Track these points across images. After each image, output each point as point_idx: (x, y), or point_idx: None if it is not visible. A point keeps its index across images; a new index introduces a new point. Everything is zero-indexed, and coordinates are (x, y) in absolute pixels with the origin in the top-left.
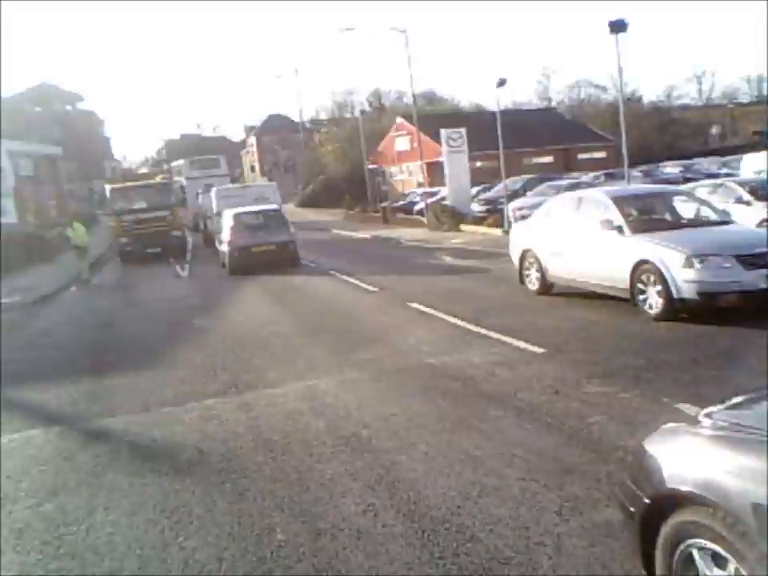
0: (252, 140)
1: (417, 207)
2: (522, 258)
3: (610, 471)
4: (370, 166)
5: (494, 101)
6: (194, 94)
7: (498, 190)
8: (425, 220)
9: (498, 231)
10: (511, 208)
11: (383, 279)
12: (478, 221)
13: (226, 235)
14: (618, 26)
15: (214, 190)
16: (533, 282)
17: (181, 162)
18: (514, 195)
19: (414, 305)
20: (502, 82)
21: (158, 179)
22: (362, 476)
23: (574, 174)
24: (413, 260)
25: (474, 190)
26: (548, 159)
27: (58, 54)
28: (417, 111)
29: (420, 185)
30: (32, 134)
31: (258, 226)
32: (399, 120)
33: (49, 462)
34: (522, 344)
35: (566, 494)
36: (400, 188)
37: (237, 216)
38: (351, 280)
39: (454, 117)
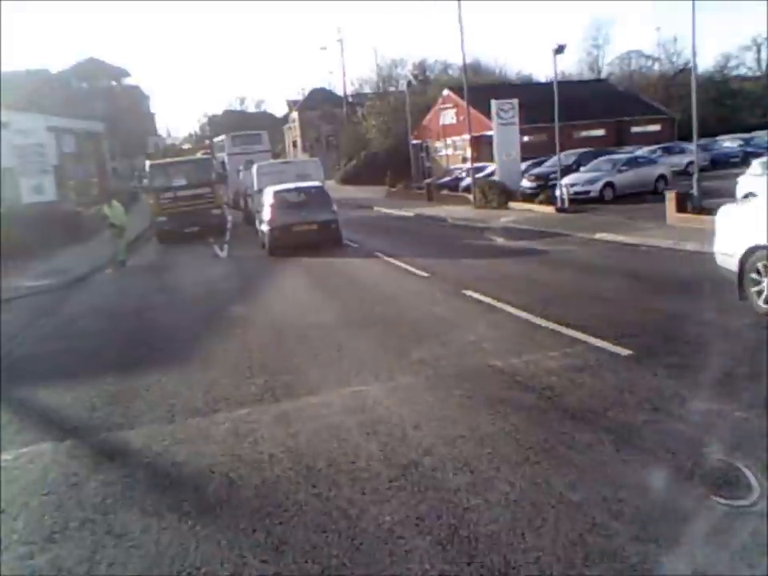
0: (294, 115)
1: (463, 184)
2: (746, 260)
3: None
4: (414, 141)
5: (549, 69)
6: (238, 69)
7: (550, 164)
8: (471, 197)
9: (550, 209)
10: (564, 184)
11: (432, 262)
12: (529, 198)
13: (265, 214)
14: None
15: (254, 166)
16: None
17: (222, 137)
18: (566, 170)
19: (470, 293)
20: (560, 49)
21: (199, 155)
22: (429, 527)
23: (628, 148)
24: (462, 241)
25: (524, 165)
26: (600, 132)
27: (103, 30)
28: (455, 89)
29: (465, 160)
30: (77, 109)
31: (300, 204)
32: (446, 92)
33: (53, 489)
34: (602, 343)
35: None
36: (445, 163)
37: (277, 193)
38: (398, 263)
39: (502, 88)
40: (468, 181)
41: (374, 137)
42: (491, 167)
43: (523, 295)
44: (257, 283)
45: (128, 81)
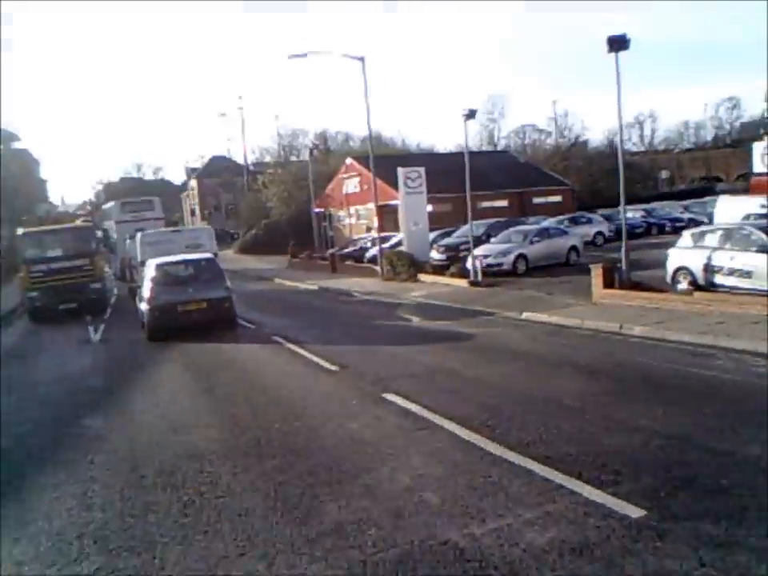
0: (193, 183)
1: (368, 254)
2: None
3: None
4: (317, 210)
5: (449, 141)
6: (135, 135)
7: (460, 234)
8: (377, 268)
9: (462, 282)
10: (476, 255)
11: (342, 350)
12: (439, 270)
13: (145, 290)
14: (618, 42)
15: (138, 234)
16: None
17: (111, 204)
18: (476, 241)
19: (392, 397)
20: (471, 114)
21: (78, 222)
22: None
23: (532, 218)
24: (374, 321)
25: (431, 235)
26: (503, 203)
27: None
28: (365, 153)
29: (369, 229)
30: None
31: (186, 278)
32: (349, 161)
33: None
34: (597, 495)
35: None
36: (348, 233)
37: (159, 267)
38: (301, 351)
39: (406, 158)
40: (374, 251)
41: (275, 205)
42: (397, 237)
43: (461, 401)
44: (123, 381)
45: (16, 145)
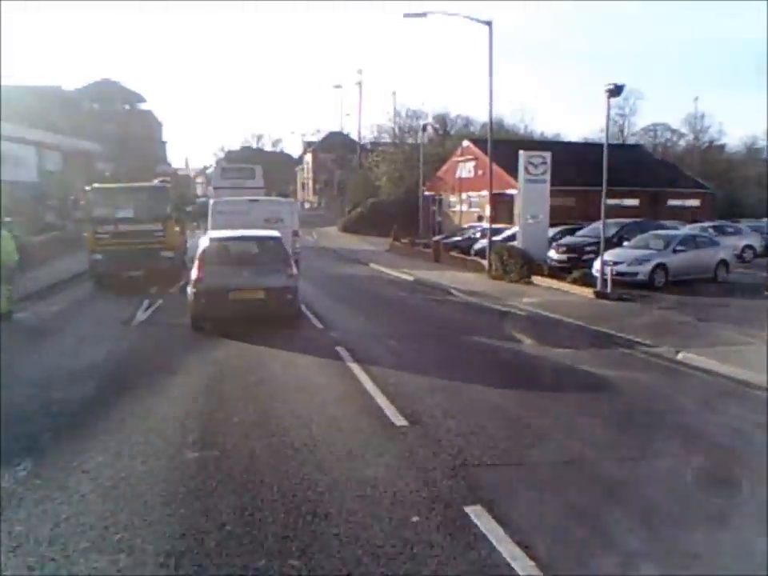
0: (308, 156)
1: (477, 246)
2: None
3: None
4: (426, 193)
5: (574, 133)
6: (257, 106)
7: (586, 234)
8: (484, 263)
9: (587, 291)
10: (606, 261)
11: (419, 385)
12: (557, 273)
13: (193, 269)
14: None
15: (210, 202)
16: None
17: (212, 167)
18: (606, 244)
19: (479, 512)
20: (617, 90)
21: (155, 182)
22: None
23: (668, 223)
24: (471, 335)
25: (551, 231)
26: (633, 202)
27: (123, 53)
28: (476, 141)
29: (481, 218)
30: (86, 130)
31: (244, 259)
32: (466, 143)
33: None
34: None
35: None
36: (457, 220)
37: (213, 242)
38: (364, 380)
39: (529, 144)
40: (483, 243)
41: (384, 185)
42: (511, 230)
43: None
44: (136, 389)
45: (142, 106)
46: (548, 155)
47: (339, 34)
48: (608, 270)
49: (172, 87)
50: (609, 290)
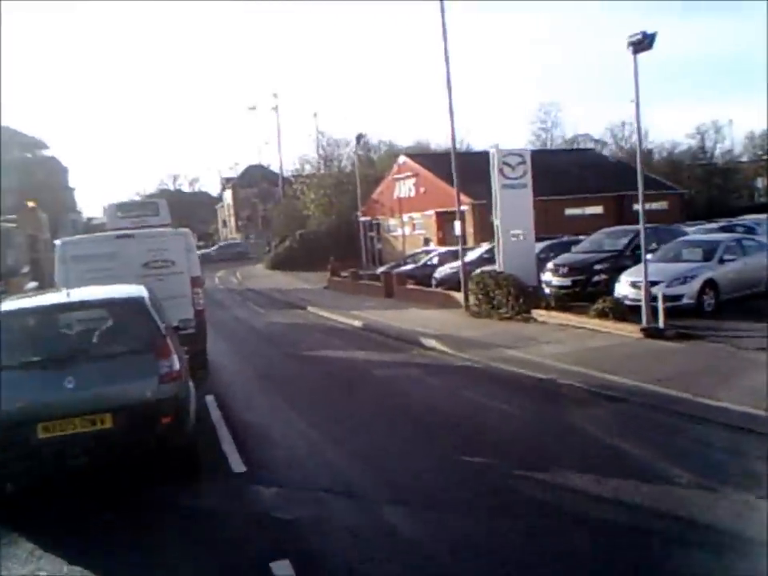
0: (227, 193)
1: (439, 275)
2: None
3: None
4: (362, 218)
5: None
6: (172, 143)
7: (588, 248)
8: (457, 296)
9: (629, 329)
10: (628, 281)
11: None
12: (562, 302)
13: None
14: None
15: (57, 244)
16: None
17: (108, 204)
18: (618, 259)
19: None
20: (647, 39)
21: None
22: None
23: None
24: (484, 451)
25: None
26: (596, 209)
27: (20, 99)
28: (419, 152)
29: (428, 242)
30: None
31: (70, 352)
32: (403, 159)
33: None
34: None
35: None
36: (400, 245)
37: (5, 320)
38: None
39: (473, 155)
40: (446, 270)
41: (314, 213)
42: (479, 250)
43: None
44: None
45: (45, 152)
46: (527, 153)
47: (250, 55)
48: (658, 294)
49: (79, 132)
50: (661, 324)
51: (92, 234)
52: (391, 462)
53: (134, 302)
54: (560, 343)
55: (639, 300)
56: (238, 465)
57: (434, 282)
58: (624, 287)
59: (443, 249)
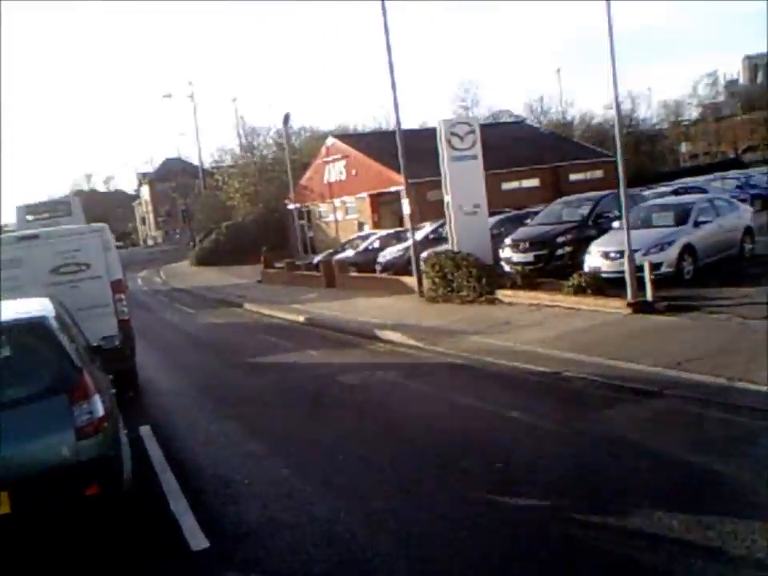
0: (144, 189)
1: (383, 259)
2: None
3: None
4: (291, 206)
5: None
6: (83, 139)
7: (546, 220)
8: (408, 281)
9: (615, 304)
10: (599, 252)
11: None
12: (529, 280)
13: None
14: None
15: None
16: None
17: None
18: (581, 229)
19: None
20: None
21: None
22: None
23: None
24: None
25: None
26: (532, 182)
27: None
28: (343, 136)
29: (361, 226)
30: None
31: None
32: (331, 141)
33: None
34: None
35: None
36: (333, 232)
37: None
38: None
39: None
40: (390, 254)
41: (239, 204)
42: (423, 230)
43: None
44: None
45: None
46: (475, 122)
47: (163, 44)
48: (644, 263)
49: None
50: (649, 296)
51: None
52: (414, 523)
53: (33, 325)
54: (540, 326)
55: (616, 271)
56: (196, 537)
57: (378, 267)
58: (595, 258)
59: (384, 232)
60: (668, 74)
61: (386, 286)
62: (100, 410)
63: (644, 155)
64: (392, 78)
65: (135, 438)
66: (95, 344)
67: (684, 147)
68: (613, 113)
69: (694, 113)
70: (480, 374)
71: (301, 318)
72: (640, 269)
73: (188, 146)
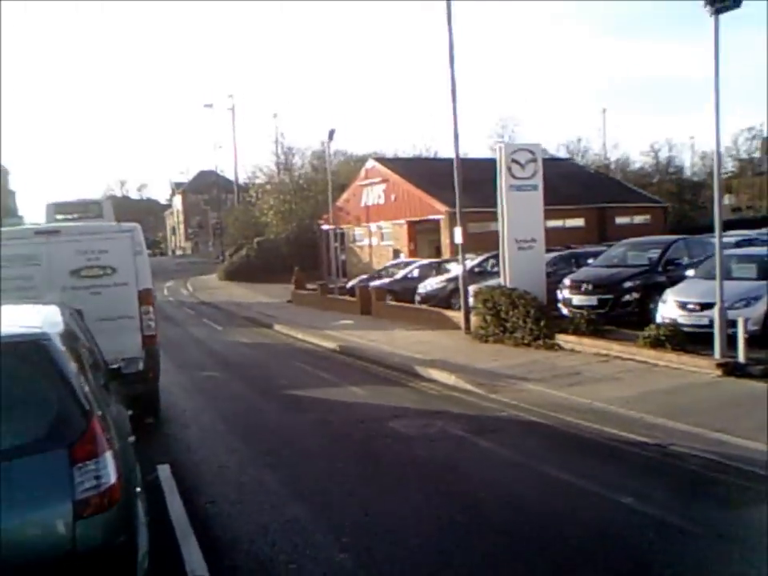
0: (177, 199)
1: (423, 290)
2: None
3: None
4: (325, 227)
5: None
6: (120, 145)
7: (608, 261)
8: (452, 315)
9: (700, 363)
10: (676, 302)
11: None
12: (598, 327)
13: None
14: None
15: None
16: None
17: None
18: (650, 275)
19: None
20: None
21: None
22: None
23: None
24: None
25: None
26: (577, 222)
27: None
28: (384, 160)
29: (397, 253)
30: None
31: None
32: (371, 164)
33: None
34: None
35: None
36: (366, 257)
37: None
38: None
39: (444, 162)
40: (434, 285)
41: (272, 220)
42: (469, 262)
43: None
44: None
45: None
46: (537, 149)
47: (206, 58)
48: (738, 319)
49: (20, 132)
50: (741, 357)
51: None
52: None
53: (28, 346)
54: (618, 381)
55: (695, 325)
56: None
57: (417, 298)
58: (671, 309)
59: (425, 261)
60: (709, 124)
61: (427, 319)
62: (111, 476)
63: (687, 204)
64: (454, 107)
65: (152, 482)
66: (114, 365)
67: (727, 199)
68: (651, 159)
69: (729, 165)
70: (564, 439)
71: (337, 346)
72: (730, 324)
73: (224, 160)
